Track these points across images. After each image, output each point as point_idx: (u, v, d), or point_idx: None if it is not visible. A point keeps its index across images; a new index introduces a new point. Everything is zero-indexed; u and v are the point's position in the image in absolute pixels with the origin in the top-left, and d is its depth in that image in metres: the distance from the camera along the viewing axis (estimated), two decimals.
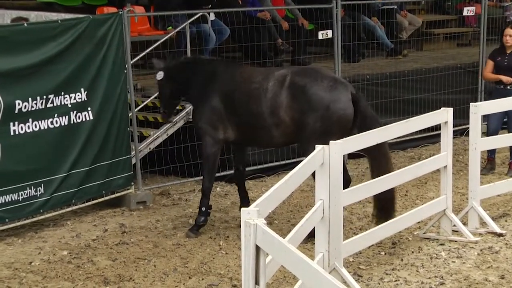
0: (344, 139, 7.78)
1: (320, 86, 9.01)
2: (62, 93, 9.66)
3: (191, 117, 11.40)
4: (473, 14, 16.52)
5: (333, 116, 8.95)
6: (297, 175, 6.56)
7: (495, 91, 11.69)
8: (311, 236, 7.38)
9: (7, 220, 9.28)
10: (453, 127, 9.21)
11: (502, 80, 11.63)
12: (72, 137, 9.79)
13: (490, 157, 11.96)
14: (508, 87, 11.55)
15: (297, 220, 7.85)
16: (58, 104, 9.62)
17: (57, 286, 7.94)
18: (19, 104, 9.18)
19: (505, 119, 11.76)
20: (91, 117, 9.99)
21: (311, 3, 14.56)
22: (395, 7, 16.26)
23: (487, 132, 11.64)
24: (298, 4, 15.10)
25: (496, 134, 11.56)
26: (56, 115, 9.61)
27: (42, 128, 9.47)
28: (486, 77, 12.10)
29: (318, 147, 7.08)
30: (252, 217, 5.17)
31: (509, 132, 11.39)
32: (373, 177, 8.72)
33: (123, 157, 10.41)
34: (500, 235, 9.20)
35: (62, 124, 9.68)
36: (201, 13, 12.42)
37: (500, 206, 10.42)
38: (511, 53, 11.80)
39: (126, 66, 10.50)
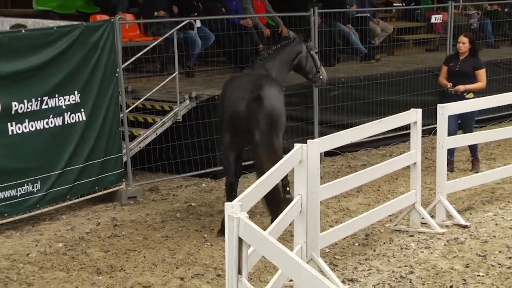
0: (321, 138, 7.80)
1: (229, 85, 9.29)
2: (57, 95, 9.62)
3: (179, 117, 11.42)
4: (440, 21, 16.59)
5: (222, 113, 9.17)
6: (278, 171, 6.57)
7: (448, 95, 11.50)
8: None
9: (6, 214, 9.24)
10: (422, 126, 9.24)
11: (448, 88, 11.55)
12: (66, 136, 9.75)
13: (449, 160, 11.58)
14: (459, 93, 11.40)
15: None
16: (53, 105, 9.59)
17: (53, 276, 7.91)
18: (15, 105, 9.14)
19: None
20: (84, 118, 9.96)
21: (290, 11, 14.60)
22: (368, 15, 16.28)
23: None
24: (279, 12, 15.10)
25: (454, 135, 11.36)
26: (51, 116, 9.57)
27: (38, 128, 9.43)
28: (439, 82, 11.96)
29: (297, 146, 7.09)
30: (235, 211, 5.17)
31: (464, 132, 11.32)
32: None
33: (114, 155, 10.39)
34: (465, 227, 9.23)
35: (57, 124, 9.64)
36: (187, 21, 12.40)
37: (465, 200, 10.45)
38: (463, 60, 11.65)
39: (118, 70, 10.47)
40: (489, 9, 18.51)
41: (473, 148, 11.91)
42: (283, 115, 9.03)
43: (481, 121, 14.96)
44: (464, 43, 11.59)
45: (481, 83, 11.57)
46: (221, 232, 8.65)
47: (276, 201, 8.51)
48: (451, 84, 11.51)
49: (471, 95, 11.37)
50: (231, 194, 9.06)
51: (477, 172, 11.41)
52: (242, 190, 7.88)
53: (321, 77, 10.30)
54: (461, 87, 11.40)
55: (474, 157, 11.94)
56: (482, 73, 11.61)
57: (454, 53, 12.07)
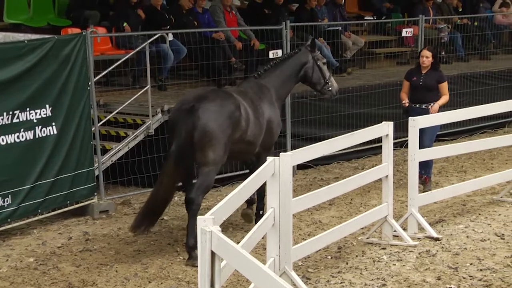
0: (293, 151, 7.81)
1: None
2: (28, 109, 9.56)
3: (151, 130, 11.39)
4: (411, 35, 16.69)
5: None
6: (250, 184, 6.57)
7: (412, 110, 11.26)
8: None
9: None
10: (394, 139, 9.28)
11: (404, 102, 11.41)
12: (37, 150, 9.69)
13: (420, 173, 11.61)
14: (423, 106, 11.28)
15: (250, 227, 7.85)
16: (24, 119, 9.53)
17: None
18: None
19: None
20: (56, 132, 9.90)
21: (262, 24, 14.63)
22: (340, 28, 16.36)
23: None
24: (251, 25, 15.13)
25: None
26: (22, 130, 9.51)
27: (9, 142, 9.36)
28: (400, 96, 11.67)
29: (269, 159, 7.10)
30: (208, 224, 5.16)
31: (420, 148, 11.18)
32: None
33: (86, 169, 10.33)
34: (436, 239, 9.28)
35: (28, 138, 9.58)
36: (160, 34, 12.40)
37: (437, 212, 10.51)
38: (426, 74, 11.45)
39: (89, 83, 10.43)
40: (459, 23, 18.67)
41: (428, 165, 11.55)
42: (218, 132, 8.65)
43: (451, 134, 15.10)
44: (427, 57, 11.42)
45: (446, 96, 11.45)
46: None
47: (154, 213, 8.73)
48: (407, 101, 11.36)
49: (431, 108, 11.26)
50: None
51: (429, 190, 10.95)
52: (215, 203, 7.89)
53: (330, 88, 10.14)
54: (437, 107, 11.25)
55: (427, 175, 11.59)
56: (445, 86, 11.50)
57: (415, 67, 11.83)
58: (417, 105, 11.36)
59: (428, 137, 11.14)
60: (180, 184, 9.01)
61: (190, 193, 8.68)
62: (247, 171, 9.95)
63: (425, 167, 11.32)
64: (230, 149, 8.89)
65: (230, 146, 8.84)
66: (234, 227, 9.89)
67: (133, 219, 9.02)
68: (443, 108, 11.54)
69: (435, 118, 10.47)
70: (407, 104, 11.35)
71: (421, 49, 11.90)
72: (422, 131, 10.84)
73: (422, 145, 10.79)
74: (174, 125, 8.82)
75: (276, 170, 7.11)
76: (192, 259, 8.48)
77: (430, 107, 11.26)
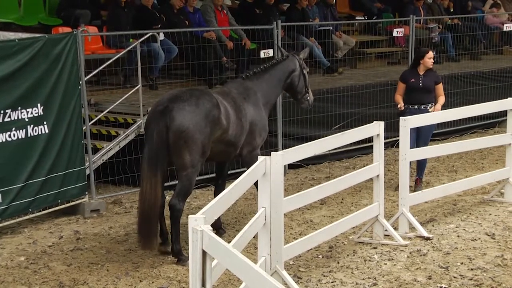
0: (285, 150, 7.81)
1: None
2: (19, 108, 9.54)
3: (142, 130, 11.37)
4: (402, 35, 16.72)
5: None
6: (241, 184, 6.57)
7: (410, 111, 11.15)
8: None
9: None
10: (385, 139, 9.30)
11: (399, 106, 11.30)
12: (29, 149, 9.67)
13: (418, 178, 11.68)
14: (422, 107, 11.24)
15: (241, 226, 7.85)
16: (16, 118, 9.50)
17: None
18: None
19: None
20: (47, 131, 9.88)
21: (253, 24, 14.63)
22: (331, 28, 16.38)
23: None
24: (242, 25, 15.13)
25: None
26: (13, 129, 9.49)
27: (0, 141, 9.34)
28: (395, 99, 11.54)
29: (261, 158, 7.10)
30: (199, 223, 5.16)
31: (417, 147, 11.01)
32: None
33: (77, 168, 10.31)
34: (427, 238, 9.30)
35: (20, 137, 9.56)
36: (151, 33, 12.38)
37: (428, 212, 10.53)
38: (424, 75, 11.40)
39: (80, 82, 10.41)
40: (450, 23, 18.71)
41: (421, 167, 11.64)
42: (194, 132, 8.45)
43: (442, 134, 15.15)
44: (432, 58, 11.41)
45: (443, 97, 11.46)
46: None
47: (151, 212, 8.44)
48: (403, 104, 11.27)
49: (433, 109, 11.27)
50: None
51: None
52: (206, 202, 7.89)
53: (308, 98, 10.12)
54: (439, 108, 11.27)
55: (419, 176, 11.64)
56: (441, 87, 11.51)
57: (410, 68, 11.74)
58: (415, 106, 11.28)
59: (423, 140, 11.15)
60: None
61: (171, 199, 8.59)
62: (238, 170, 9.94)
63: (417, 168, 11.40)
64: (210, 150, 8.74)
65: (210, 146, 8.69)
66: (225, 226, 9.88)
67: (137, 237, 8.65)
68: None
69: (426, 118, 10.48)
70: (402, 108, 11.25)
71: (422, 50, 11.69)
72: (416, 134, 10.89)
73: (421, 144, 10.95)
74: (147, 127, 8.67)
75: (267, 170, 7.11)
76: (181, 261, 8.46)
77: (429, 107, 11.26)
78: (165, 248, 8.92)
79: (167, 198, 9.33)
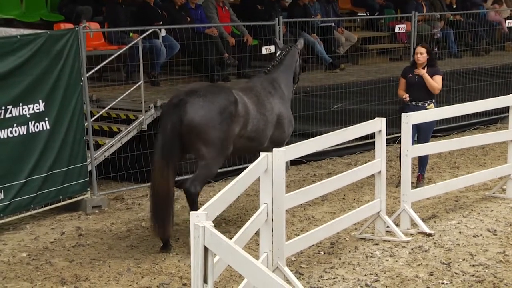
0: (286, 147, 7.81)
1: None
2: (21, 104, 9.54)
3: (144, 126, 11.38)
4: (404, 31, 16.71)
5: None
6: (243, 180, 6.57)
7: (407, 107, 11.12)
8: None
9: None
10: (386, 135, 9.29)
11: (402, 98, 11.30)
12: (30, 145, 9.68)
13: (420, 174, 11.59)
14: (420, 104, 11.16)
15: (243, 222, 7.85)
16: (17, 114, 9.51)
17: (17, 286, 7.83)
18: None
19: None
20: (49, 127, 9.88)
21: (255, 20, 14.62)
22: (333, 24, 16.37)
23: None
24: (244, 21, 15.12)
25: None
26: (15, 125, 9.49)
27: (2, 137, 9.34)
28: (398, 94, 11.55)
29: (262, 154, 7.09)
30: (201, 220, 5.15)
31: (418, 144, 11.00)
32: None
33: (79, 164, 10.32)
34: (429, 235, 9.30)
35: (21, 133, 9.56)
36: (152, 29, 12.38)
37: (430, 208, 10.53)
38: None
39: (82, 78, 10.41)
40: (452, 19, 18.70)
41: (423, 163, 11.57)
42: (208, 127, 8.59)
43: (444, 130, 15.14)
44: (422, 54, 11.28)
45: (435, 84, 11.21)
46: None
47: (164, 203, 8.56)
48: (408, 96, 11.24)
49: (431, 106, 11.22)
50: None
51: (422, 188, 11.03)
52: (208, 199, 7.89)
53: (295, 87, 10.41)
54: (422, 71, 11.16)
55: (421, 173, 11.60)
56: (438, 78, 11.28)
57: (411, 64, 11.67)
58: (413, 103, 11.24)
59: (423, 137, 11.11)
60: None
61: (185, 184, 8.71)
62: (240, 166, 9.95)
63: (419, 164, 11.34)
64: (233, 146, 8.89)
65: (232, 141, 8.83)
66: (227, 222, 9.89)
67: (152, 225, 8.73)
68: (437, 104, 11.52)
69: (428, 114, 10.47)
70: (408, 99, 11.23)
71: (416, 46, 11.78)
72: (417, 132, 10.85)
73: (422, 141, 10.90)
74: (161, 118, 8.85)
75: (269, 166, 7.11)
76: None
77: (426, 105, 11.20)
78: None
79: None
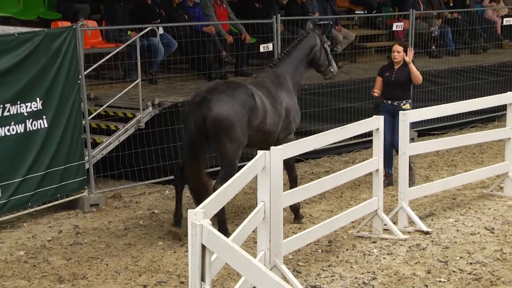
0: (284, 145, 7.81)
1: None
2: (19, 102, 9.54)
3: (141, 124, 11.38)
4: (402, 29, 16.71)
5: None
6: (241, 178, 6.57)
7: (382, 106, 11.14)
8: None
9: None
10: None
11: (373, 91, 11.24)
12: (28, 143, 9.67)
13: (387, 173, 11.26)
14: (395, 103, 11.07)
15: (241, 220, 7.84)
16: (15, 112, 9.51)
17: (14, 284, 7.83)
18: None
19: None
20: (46, 125, 9.88)
21: (253, 18, 14.62)
22: (331, 22, 16.35)
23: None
24: (242, 19, 15.12)
25: (391, 147, 11.00)
26: (13, 123, 9.49)
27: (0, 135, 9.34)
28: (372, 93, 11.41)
29: (260, 153, 7.10)
30: (199, 218, 5.16)
31: (392, 144, 10.86)
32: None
33: (76, 163, 10.32)
34: (427, 233, 9.30)
35: (19, 131, 9.56)
36: (150, 27, 12.38)
37: (427, 206, 10.53)
38: (398, 69, 11.18)
39: (80, 76, 10.41)
40: (449, 17, 18.70)
41: (391, 162, 11.25)
42: (233, 121, 8.79)
43: (442, 128, 15.15)
44: (398, 52, 11.17)
45: (419, 74, 11.14)
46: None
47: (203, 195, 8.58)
48: (378, 92, 11.20)
49: (407, 105, 11.09)
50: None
51: (390, 184, 11.11)
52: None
53: (331, 69, 10.46)
54: (410, 56, 11.06)
55: (388, 172, 11.26)
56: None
57: (388, 63, 11.60)
58: (389, 102, 11.16)
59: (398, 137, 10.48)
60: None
61: (215, 184, 8.85)
62: (238, 164, 9.92)
63: (388, 163, 11.06)
64: (249, 139, 9.08)
65: (249, 134, 9.02)
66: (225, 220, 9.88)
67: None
68: (432, 103, 11.52)
69: (426, 112, 10.48)
70: (376, 94, 11.19)
71: (394, 44, 11.59)
72: (393, 131, 10.56)
73: (388, 144, 10.51)
74: (186, 118, 9.04)
75: (267, 164, 7.11)
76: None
77: (402, 105, 11.04)
78: (176, 229, 9.15)
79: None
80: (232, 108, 8.84)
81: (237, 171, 8.84)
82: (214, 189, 8.62)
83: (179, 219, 9.24)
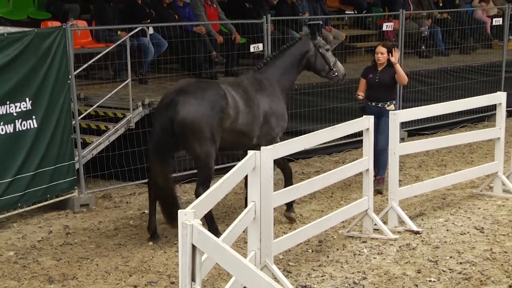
0: (274, 145, 7.80)
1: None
2: (8, 102, 9.51)
3: (132, 124, 11.36)
4: (392, 29, 16.73)
5: None
6: (231, 178, 6.57)
7: (367, 108, 10.92)
8: None
9: None
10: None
11: (357, 95, 11.09)
12: (17, 144, 9.64)
13: (380, 177, 11.05)
14: (380, 105, 10.94)
15: (231, 220, 7.84)
16: (4, 112, 9.48)
17: (4, 285, 7.80)
18: None
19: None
20: (36, 125, 9.85)
21: (243, 18, 14.61)
22: (321, 22, 16.36)
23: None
24: (232, 19, 15.11)
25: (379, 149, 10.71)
26: (2, 123, 9.46)
27: None
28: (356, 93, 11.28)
29: (250, 153, 7.09)
30: (189, 218, 5.15)
31: (377, 146, 10.51)
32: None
33: (66, 163, 10.29)
34: (417, 232, 9.32)
35: (8, 131, 9.53)
36: (140, 27, 12.36)
37: (417, 206, 10.55)
38: (382, 70, 11.06)
39: (70, 76, 10.39)
40: (439, 17, 18.74)
41: (383, 166, 10.99)
42: (200, 124, 8.67)
43: (432, 128, 15.18)
44: (382, 53, 11.06)
45: (405, 76, 11.04)
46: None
47: (170, 206, 8.78)
48: (362, 94, 11.04)
49: (391, 107, 10.91)
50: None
51: (379, 193, 10.87)
52: (196, 197, 7.88)
53: (336, 74, 10.24)
54: (396, 56, 10.97)
55: (381, 176, 11.06)
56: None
57: (371, 64, 11.45)
58: (373, 104, 11.02)
59: (384, 136, 10.41)
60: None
61: (196, 190, 8.86)
62: (228, 164, 9.95)
63: (379, 167, 10.93)
64: (222, 141, 8.97)
65: (221, 136, 8.91)
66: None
67: (168, 222, 9.01)
68: (422, 103, 11.53)
69: (416, 112, 10.49)
70: (360, 97, 11.03)
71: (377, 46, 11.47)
72: (377, 131, 10.23)
73: (376, 147, 10.11)
74: (154, 119, 8.96)
75: (257, 164, 7.11)
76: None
77: (386, 106, 10.93)
78: (155, 240, 9.11)
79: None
80: (200, 110, 8.69)
81: (213, 172, 8.98)
82: (197, 194, 8.66)
83: (154, 231, 9.17)
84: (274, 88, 9.72)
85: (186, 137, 8.71)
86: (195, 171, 11.60)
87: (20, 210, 9.93)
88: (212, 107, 8.80)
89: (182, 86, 9.04)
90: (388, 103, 11.02)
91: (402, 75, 11.08)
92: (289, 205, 9.69)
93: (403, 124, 12.86)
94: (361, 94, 11.11)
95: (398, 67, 11.06)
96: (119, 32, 13.00)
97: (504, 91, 12.17)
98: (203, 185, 8.77)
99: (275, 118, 9.64)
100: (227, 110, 8.95)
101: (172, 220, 8.70)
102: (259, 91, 9.54)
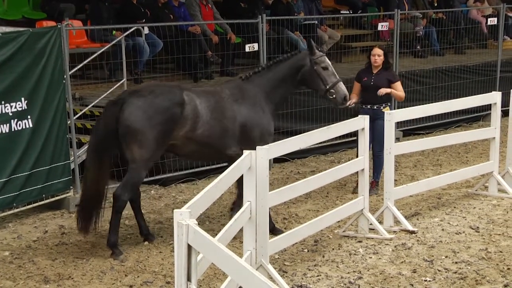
0: (270, 144, 7.80)
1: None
2: (3, 102, 9.49)
3: None
4: (387, 29, 16.74)
5: None
6: (227, 178, 6.57)
7: (362, 111, 10.66)
8: None
9: None
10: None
11: (350, 104, 10.28)
12: (13, 143, 9.62)
13: (374, 180, 11.05)
14: (375, 107, 10.81)
15: (227, 220, 7.85)
16: (0, 112, 9.45)
17: None
18: None
19: None
20: (31, 125, 9.83)
21: (238, 18, 14.61)
22: (316, 22, 16.38)
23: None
24: (227, 19, 15.11)
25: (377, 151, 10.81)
26: None
27: None
28: (350, 97, 10.62)
29: (246, 152, 7.09)
30: (184, 218, 5.15)
31: (373, 149, 10.78)
32: None
33: (62, 163, 10.28)
34: (412, 232, 9.33)
35: (3, 131, 9.51)
36: (135, 27, 12.35)
37: (412, 205, 10.56)
38: (377, 73, 10.89)
39: (65, 76, 10.36)
40: (434, 17, 18.76)
41: (377, 170, 11.02)
42: (143, 127, 8.41)
43: (427, 127, 15.19)
44: (379, 56, 10.92)
45: (401, 93, 10.95)
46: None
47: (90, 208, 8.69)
48: (354, 100, 10.73)
49: (387, 109, 10.74)
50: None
51: (374, 194, 10.82)
52: (191, 197, 7.88)
53: (334, 96, 9.37)
54: (383, 90, 10.72)
55: (375, 179, 11.07)
56: (398, 86, 10.93)
57: (365, 67, 11.22)
58: (368, 106, 10.86)
59: (379, 140, 10.26)
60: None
61: (116, 189, 8.66)
62: (224, 164, 9.92)
63: (373, 170, 10.92)
64: (179, 149, 8.79)
65: (175, 143, 8.68)
66: (210, 220, 9.88)
67: (76, 222, 8.84)
68: (417, 103, 11.54)
69: (411, 112, 10.50)
70: (352, 104, 10.57)
71: (373, 48, 11.29)
72: (372, 135, 10.31)
73: (371, 150, 10.21)
74: (99, 117, 8.82)
75: (253, 164, 7.11)
76: (115, 255, 8.50)
77: (382, 108, 10.81)
78: (150, 240, 9.10)
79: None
80: (144, 114, 8.42)
81: (141, 182, 8.86)
82: (115, 195, 8.62)
83: (148, 233, 9.13)
84: (259, 100, 9.10)
85: (126, 138, 8.50)
86: (192, 170, 11.71)
87: (16, 210, 9.91)
88: (162, 113, 8.45)
89: (139, 87, 8.90)
90: (384, 104, 10.93)
91: (398, 95, 11.02)
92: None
93: (398, 124, 12.89)
94: (353, 101, 10.64)
95: (393, 92, 10.88)
96: (114, 32, 12.99)
97: (499, 90, 12.16)
98: (126, 188, 8.60)
99: (258, 131, 9.04)
100: (182, 119, 8.56)
101: (85, 224, 8.67)
102: (237, 102, 8.99)
